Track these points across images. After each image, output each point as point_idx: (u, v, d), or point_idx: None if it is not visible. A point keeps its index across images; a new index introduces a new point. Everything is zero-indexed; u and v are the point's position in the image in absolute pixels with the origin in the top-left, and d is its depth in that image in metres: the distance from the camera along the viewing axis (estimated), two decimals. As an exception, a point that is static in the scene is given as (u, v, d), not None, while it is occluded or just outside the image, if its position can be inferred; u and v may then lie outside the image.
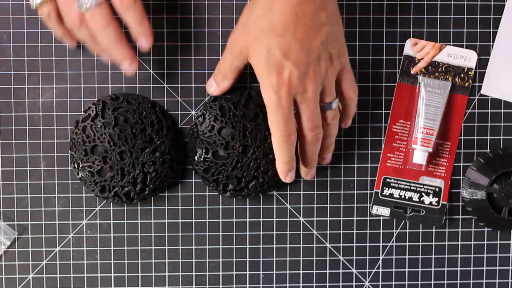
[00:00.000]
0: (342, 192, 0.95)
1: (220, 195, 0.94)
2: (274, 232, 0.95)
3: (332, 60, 0.83)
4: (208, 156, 0.90)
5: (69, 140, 0.92)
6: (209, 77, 0.93)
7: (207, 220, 0.94)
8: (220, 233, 0.95)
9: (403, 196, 0.95)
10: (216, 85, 0.89)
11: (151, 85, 0.93)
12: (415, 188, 0.95)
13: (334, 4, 0.83)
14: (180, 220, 0.94)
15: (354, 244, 0.95)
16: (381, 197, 0.95)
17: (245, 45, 0.83)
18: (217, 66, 0.88)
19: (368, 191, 0.95)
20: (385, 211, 0.95)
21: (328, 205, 0.95)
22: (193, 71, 0.93)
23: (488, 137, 0.95)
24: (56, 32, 0.88)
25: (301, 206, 0.95)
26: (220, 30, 0.93)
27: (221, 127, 0.90)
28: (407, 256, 0.96)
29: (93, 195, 0.93)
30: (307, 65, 0.81)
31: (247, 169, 0.90)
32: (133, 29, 0.86)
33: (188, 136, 0.91)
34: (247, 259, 0.95)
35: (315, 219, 0.95)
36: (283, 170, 0.87)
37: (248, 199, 0.94)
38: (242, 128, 0.89)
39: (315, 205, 0.95)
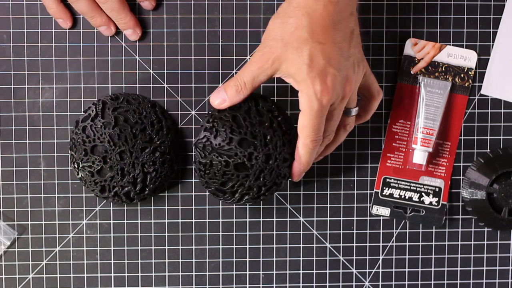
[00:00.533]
0: (342, 192, 0.95)
1: (235, 204, 0.92)
2: (274, 232, 0.94)
3: (359, 64, 0.83)
4: (229, 169, 0.85)
5: (69, 140, 0.92)
6: (209, 77, 0.93)
7: (207, 220, 0.94)
8: (220, 233, 0.94)
9: (403, 196, 0.94)
10: (226, 97, 0.84)
11: (151, 85, 0.92)
12: (415, 188, 0.94)
13: (356, 6, 0.82)
14: (180, 220, 0.94)
15: (354, 244, 0.95)
16: (381, 197, 0.94)
17: (280, 57, 0.80)
18: (233, 79, 0.83)
19: (368, 191, 0.95)
20: (385, 211, 0.94)
21: (328, 205, 0.95)
22: (193, 71, 0.93)
23: (488, 137, 0.95)
24: (51, 6, 0.89)
25: (301, 206, 0.94)
26: (220, 30, 0.92)
27: (242, 138, 0.84)
28: (407, 256, 0.95)
29: (93, 195, 0.92)
30: (346, 70, 0.81)
31: (269, 177, 0.86)
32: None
33: (195, 150, 0.85)
34: (247, 259, 0.95)
35: (315, 219, 0.95)
36: (301, 172, 0.86)
37: None
38: (262, 137, 0.85)
39: (315, 205, 0.94)
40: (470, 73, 0.94)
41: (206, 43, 0.93)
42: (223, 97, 0.84)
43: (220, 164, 0.84)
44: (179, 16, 0.92)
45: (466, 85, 0.94)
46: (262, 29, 0.92)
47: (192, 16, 0.92)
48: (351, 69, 0.81)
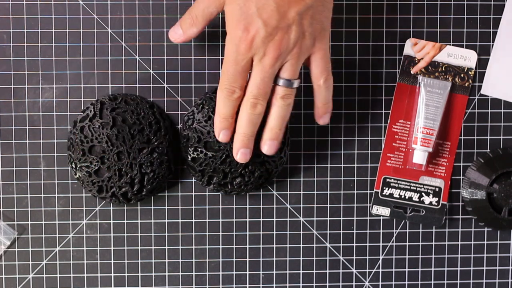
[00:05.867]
0: (342, 192, 0.92)
1: (206, 187, 0.90)
2: (274, 232, 0.92)
3: (305, 37, 0.79)
4: (200, 145, 0.86)
5: (67, 140, 0.89)
6: (210, 77, 0.90)
7: (207, 220, 0.91)
8: (220, 233, 0.92)
9: (403, 196, 0.92)
10: (182, 32, 0.85)
11: (151, 85, 0.90)
12: (415, 188, 0.92)
13: None
14: (180, 220, 0.91)
15: (354, 244, 0.92)
16: (381, 197, 0.92)
17: None
18: (187, 12, 0.84)
19: (368, 191, 0.92)
20: (385, 211, 0.92)
21: (328, 205, 0.92)
22: (193, 71, 0.90)
23: (488, 137, 0.92)
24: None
25: (301, 206, 0.92)
26: (220, 30, 0.90)
27: None
28: (407, 256, 0.93)
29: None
30: (276, 29, 0.78)
31: (235, 166, 0.86)
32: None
33: (182, 122, 0.88)
34: (247, 259, 0.92)
35: (315, 219, 0.92)
36: (217, 125, 0.82)
37: (248, 198, 0.91)
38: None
39: (315, 205, 0.92)
40: (470, 73, 0.91)
41: (206, 43, 0.90)
42: (179, 31, 0.85)
43: (193, 139, 0.86)
44: (179, 16, 0.89)
45: (466, 85, 0.91)
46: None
47: (192, 16, 0.89)
48: (283, 31, 0.78)
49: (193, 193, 0.91)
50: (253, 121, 0.81)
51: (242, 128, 0.82)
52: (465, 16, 0.91)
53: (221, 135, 0.83)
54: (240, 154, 0.83)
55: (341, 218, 0.92)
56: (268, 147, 0.84)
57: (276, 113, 0.82)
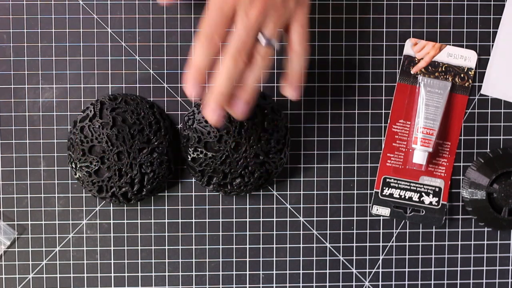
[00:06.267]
0: (342, 192, 0.91)
1: (206, 188, 0.90)
2: (274, 232, 0.91)
3: (288, 0, 0.77)
4: (200, 145, 0.86)
5: (67, 140, 0.89)
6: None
7: (207, 220, 0.91)
8: (220, 233, 0.91)
9: (403, 196, 0.91)
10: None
11: (151, 85, 0.89)
12: (415, 188, 0.91)
13: None
14: (180, 220, 0.91)
15: (354, 244, 0.92)
16: (381, 197, 0.91)
17: None
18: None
19: (368, 191, 0.92)
20: (385, 211, 0.91)
21: (328, 205, 0.91)
22: None
23: (488, 137, 0.92)
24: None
25: (301, 206, 0.91)
26: None
27: None
28: (407, 256, 0.92)
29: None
30: None
31: (235, 166, 0.86)
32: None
33: (183, 122, 0.87)
34: (247, 259, 0.92)
35: (315, 219, 0.91)
36: (188, 76, 0.75)
37: (248, 198, 0.91)
38: (238, 125, 0.86)
39: (315, 205, 0.91)
40: (470, 73, 0.91)
41: (206, 43, 0.89)
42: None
43: (194, 139, 0.86)
44: (179, 16, 0.89)
45: (466, 85, 0.91)
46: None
47: (192, 16, 0.89)
48: None
49: (193, 193, 0.90)
50: (231, 78, 0.76)
51: (219, 83, 0.76)
52: (465, 16, 0.91)
53: (188, 86, 0.76)
54: (211, 111, 0.76)
55: (341, 218, 0.91)
56: (235, 108, 0.78)
57: (252, 71, 0.77)
